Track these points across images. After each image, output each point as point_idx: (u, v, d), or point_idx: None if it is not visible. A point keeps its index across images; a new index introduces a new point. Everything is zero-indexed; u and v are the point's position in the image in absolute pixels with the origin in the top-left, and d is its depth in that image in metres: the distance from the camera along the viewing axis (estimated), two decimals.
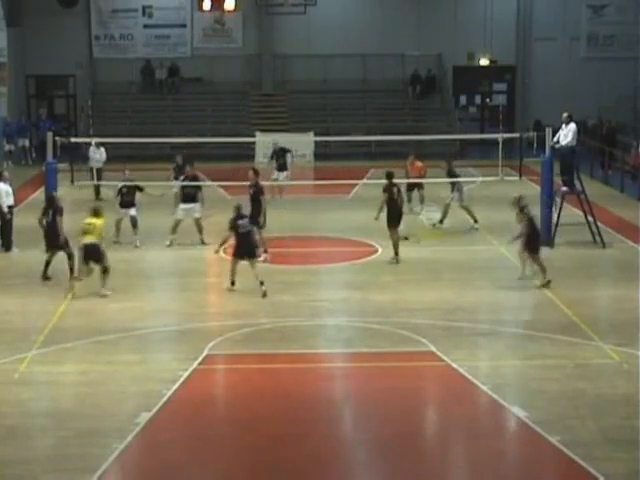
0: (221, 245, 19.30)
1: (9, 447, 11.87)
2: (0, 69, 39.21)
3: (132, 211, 22.78)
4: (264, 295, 18.08)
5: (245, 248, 18.50)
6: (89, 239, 18.36)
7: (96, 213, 18.73)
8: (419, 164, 26.56)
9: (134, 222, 22.69)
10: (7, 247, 22.03)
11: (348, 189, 29.54)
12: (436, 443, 12.49)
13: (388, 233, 20.99)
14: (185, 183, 23.04)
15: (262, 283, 18.19)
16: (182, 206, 22.78)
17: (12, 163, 36.53)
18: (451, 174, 25.09)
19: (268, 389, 13.84)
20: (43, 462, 11.56)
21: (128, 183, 23.22)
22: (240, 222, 18.56)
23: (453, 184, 24.90)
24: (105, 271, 18.39)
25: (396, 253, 20.90)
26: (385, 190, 21.06)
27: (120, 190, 22.95)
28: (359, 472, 11.64)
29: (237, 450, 11.97)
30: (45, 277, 19.66)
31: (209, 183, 26.18)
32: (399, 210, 21.07)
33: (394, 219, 20.88)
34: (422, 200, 26.58)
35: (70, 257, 19.28)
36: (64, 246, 19.42)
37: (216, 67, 42.30)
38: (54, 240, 19.41)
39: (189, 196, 22.83)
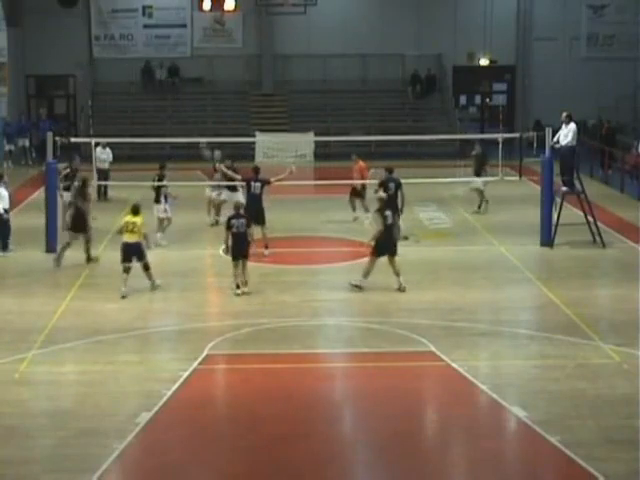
0: (226, 245, 18.85)
1: (9, 447, 11.87)
2: (0, 69, 39.23)
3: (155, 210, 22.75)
4: (239, 294, 18.25)
5: (238, 248, 18.44)
6: (130, 238, 18.49)
7: (135, 211, 18.71)
8: (362, 164, 26.10)
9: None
10: (4, 247, 21.83)
11: (348, 189, 29.50)
12: (436, 443, 12.49)
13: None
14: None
15: (244, 283, 18.38)
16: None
17: (12, 163, 36.56)
18: (483, 159, 26.27)
19: (268, 389, 13.84)
20: (43, 462, 11.56)
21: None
22: (234, 221, 18.52)
23: (481, 170, 26.07)
24: (146, 268, 18.68)
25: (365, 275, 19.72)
26: (381, 184, 21.06)
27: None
28: (359, 472, 11.64)
29: (237, 450, 11.97)
30: (58, 262, 20.37)
31: (206, 183, 26.16)
32: (395, 205, 20.92)
33: (384, 249, 19.32)
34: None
35: (88, 241, 20.56)
36: (87, 230, 20.61)
37: (216, 67, 42.32)
38: (80, 224, 20.51)
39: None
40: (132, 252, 18.49)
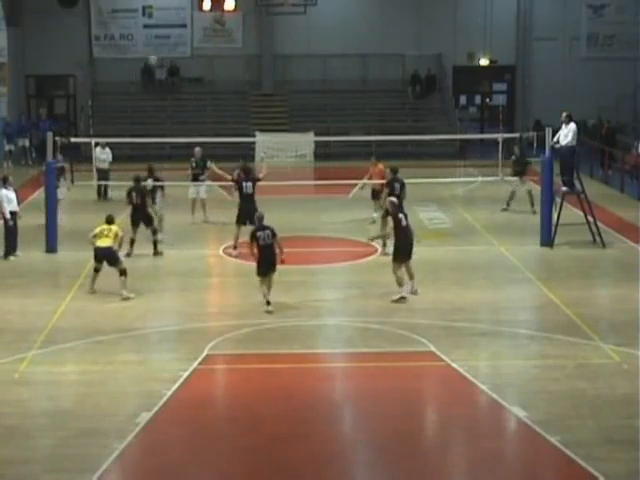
0: (255, 258, 17.53)
1: (9, 447, 11.88)
2: (0, 69, 39.23)
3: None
4: (271, 311, 17.16)
5: (267, 262, 17.27)
6: (102, 242, 18.44)
7: (110, 221, 18.78)
8: (381, 167, 26.19)
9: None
10: (7, 253, 21.59)
11: (348, 189, 29.51)
12: (436, 443, 12.48)
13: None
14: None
15: (268, 303, 17.24)
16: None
17: (12, 163, 36.55)
18: (523, 161, 26.31)
19: (268, 389, 13.84)
20: (43, 462, 11.56)
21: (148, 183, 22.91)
22: (260, 234, 17.31)
23: (521, 171, 26.11)
24: (122, 274, 18.33)
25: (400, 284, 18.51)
26: (387, 185, 20.95)
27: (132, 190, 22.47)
28: (359, 472, 11.64)
29: (237, 450, 11.97)
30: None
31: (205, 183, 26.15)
32: (409, 242, 18.93)
33: (406, 254, 18.70)
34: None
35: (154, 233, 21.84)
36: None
37: (216, 67, 42.31)
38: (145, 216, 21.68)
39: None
40: (103, 256, 18.43)
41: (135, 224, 21.67)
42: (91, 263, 18.79)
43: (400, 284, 18.06)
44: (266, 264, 17.29)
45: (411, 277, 18.38)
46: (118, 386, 13.89)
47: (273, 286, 17.46)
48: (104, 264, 18.52)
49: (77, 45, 41.87)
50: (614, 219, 25.67)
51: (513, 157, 26.92)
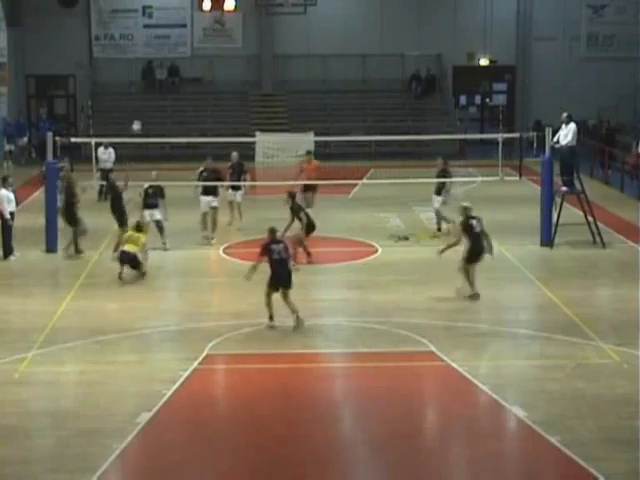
0: (252, 270, 16.79)
1: (9, 447, 11.88)
2: (0, 69, 39.22)
3: (157, 214, 22.21)
4: (298, 325, 16.38)
5: (279, 278, 16.43)
6: (130, 248, 19.60)
7: (139, 228, 20.11)
8: (316, 163, 25.94)
9: (160, 226, 22.28)
10: (6, 253, 21.53)
11: (348, 189, 29.53)
12: (436, 443, 12.48)
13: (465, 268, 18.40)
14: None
15: (297, 315, 16.44)
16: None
17: (12, 163, 36.55)
18: (445, 175, 24.26)
19: (268, 389, 13.84)
20: (43, 462, 11.57)
21: (154, 184, 22.65)
22: (274, 247, 16.52)
23: (441, 187, 23.92)
24: (142, 276, 19.74)
25: (471, 284, 18.29)
26: (463, 224, 18.40)
27: (146, 191, 22.36)
28: (359, 472, 11.64)
29: (237, 450, 11.97)
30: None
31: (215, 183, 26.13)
32: (481, 246, 18.29)
33: (476, 255, 18.28)
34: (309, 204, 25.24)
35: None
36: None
37: (216, 67, 42.30)
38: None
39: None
40: (127, 260, 19.57)
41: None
42: (95, 264, 18.87)
43: (472, 286, 18.02)
44: (278, 278, 16.46)
45: (472, 283, 18.19)
46: (118, 386, 13.90)
47: (294, 306, 16.50)
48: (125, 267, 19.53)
49: (77, 45, 41.88)
50: (614, 219, 25.66)
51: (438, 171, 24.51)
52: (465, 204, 18.78)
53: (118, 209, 22.03)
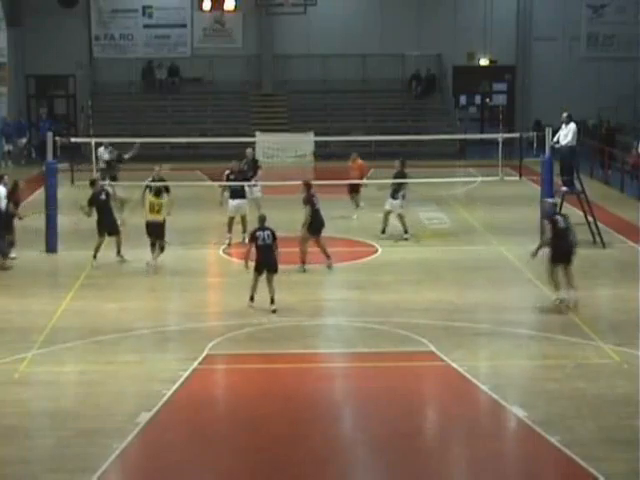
0: (245, 259, 17.82)
1: (9, 447, 11.87)
2: (0, 69, 39.23)
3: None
4: (273, 311, 17.15)
5: (264, 262, 17.35)
6: (155, 217, 20.26)
7: (158, 193, 20.67)
8: (359, 162, 26.02)
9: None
10: (6, 253, 21.31)
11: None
12: (436, 443, 12.48)
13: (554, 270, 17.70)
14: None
15: (273, 301, 17.25)
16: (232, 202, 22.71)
17: (12, 163, 36.56)
18: (402, 176, 23.62)
19: (268, 389, 13.84)
20: (43, 462, 11.56)
21: (158, 183, 22.36)
22: (259, 233, 17.47)
23: (396, 190, 23.16)
24: (162, 249, 20.34)
25: (556, 288, 17.61)
26: (550, 220, 17.69)
27: (149, 187, 22.09)
28: (359, 472, 11.63)
29: (237, 450, 11.96)
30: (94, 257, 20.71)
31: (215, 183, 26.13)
32: (571, 246, 17.63)
33: (561, 255, 17.49)
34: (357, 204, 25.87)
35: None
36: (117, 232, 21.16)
37: (216, 67, 42.33)
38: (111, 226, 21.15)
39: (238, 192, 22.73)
40: (153, 229, 20.25)
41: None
42: (92, 260, 18.81)
43: (557, 288, 17.42)
44: (263, 263, 17.35)
45: (570, 285, 17.42)
46: (118, 386, 13.89)
47: (276, 287, 17.32)
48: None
49: (77, 45, 41.91)
50: (614, 219, 25.66)
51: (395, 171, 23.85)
52: (551, 200, 18.30)
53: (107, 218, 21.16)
